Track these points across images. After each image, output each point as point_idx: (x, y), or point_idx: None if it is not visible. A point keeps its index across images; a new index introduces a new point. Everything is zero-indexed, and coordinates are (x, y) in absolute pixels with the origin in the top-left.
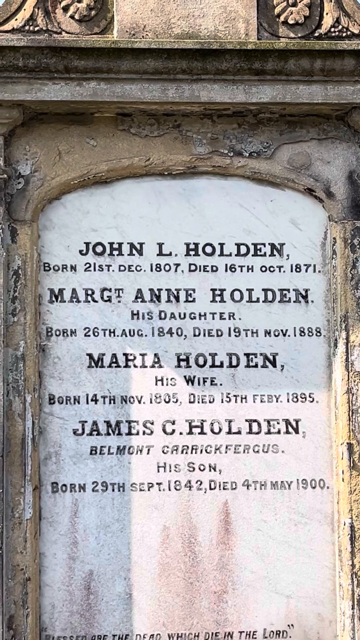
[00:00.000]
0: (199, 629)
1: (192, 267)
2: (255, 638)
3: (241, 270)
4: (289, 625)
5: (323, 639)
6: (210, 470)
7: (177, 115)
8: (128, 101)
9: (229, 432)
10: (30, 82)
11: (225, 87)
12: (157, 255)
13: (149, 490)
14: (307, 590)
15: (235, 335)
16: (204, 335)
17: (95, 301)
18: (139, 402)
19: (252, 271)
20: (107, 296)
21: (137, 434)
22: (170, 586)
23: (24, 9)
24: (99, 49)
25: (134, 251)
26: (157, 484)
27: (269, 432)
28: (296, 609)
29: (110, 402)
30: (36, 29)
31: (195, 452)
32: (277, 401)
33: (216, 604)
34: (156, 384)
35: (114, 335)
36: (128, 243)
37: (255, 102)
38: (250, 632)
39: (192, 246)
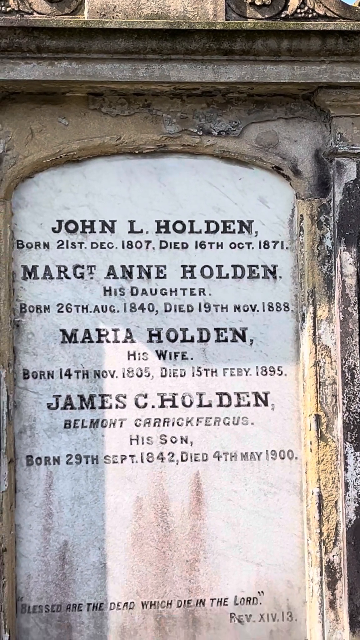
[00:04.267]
0: (171, 597)
1: (163, 244)
2: (227, 605)
3: (211, 247)
4: (259, 592)
5: (292, 605)
6: (181, 443)
7: (148, 95)
8: (99, 81)
9: (200, 405)
10: (2, 61)
11: (194, 67)
12: (129, 232)
13: (122, 462)
14: (277, 558)
15: (206, 311)
16: (175, 310)
17: (68, 278)
18: (112, 376)
19: (222, 248)
20: (80, 273)
21: (110, 407)
22: (143, 555)
23: None
24: (70, 29)
25: (106, 229)
26: (130, 456)
27: (238, 405)
28: (266, 576)
29: (83, 377)
30: (8, 9)
31: (167, 425)
32: (246, 375)
33: (188, 572)
34: (128, 359)
35: (87, 311)
36: (100, 221)
37: (223, 82)
38: (221, 599)
39: (162, 224)
